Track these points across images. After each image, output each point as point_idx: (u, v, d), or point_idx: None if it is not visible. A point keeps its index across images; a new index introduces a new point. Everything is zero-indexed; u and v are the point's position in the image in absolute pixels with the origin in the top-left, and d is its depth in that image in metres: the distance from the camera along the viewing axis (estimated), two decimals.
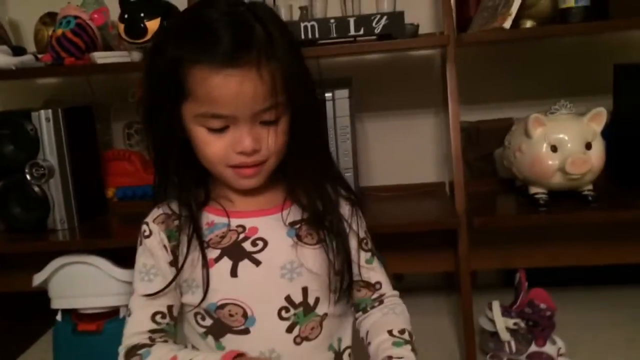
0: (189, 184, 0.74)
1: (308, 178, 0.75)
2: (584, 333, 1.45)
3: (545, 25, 1.35)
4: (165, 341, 0.74)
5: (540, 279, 1.39)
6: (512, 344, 1.31)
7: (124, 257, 1.42)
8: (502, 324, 1.30)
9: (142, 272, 0.75)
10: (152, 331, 0.74)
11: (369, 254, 0.80)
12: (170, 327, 0.75)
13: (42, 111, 1.42)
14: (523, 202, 1.38)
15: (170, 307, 0.75)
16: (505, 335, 1.30)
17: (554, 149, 1.26)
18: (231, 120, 0.68)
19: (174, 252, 0.73)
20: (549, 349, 1.30)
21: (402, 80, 1.72)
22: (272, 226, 0.75)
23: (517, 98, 1.65)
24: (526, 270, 1.37)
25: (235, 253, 0.73)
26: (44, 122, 1.42)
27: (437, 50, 1.65)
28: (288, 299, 0.73)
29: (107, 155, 1.67)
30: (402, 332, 0.76)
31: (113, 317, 1.44)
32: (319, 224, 0.75)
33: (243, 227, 0.74)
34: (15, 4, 1.78)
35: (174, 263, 0.74)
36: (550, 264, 1.40)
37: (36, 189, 1.43)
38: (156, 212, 0.77)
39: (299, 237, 0.74)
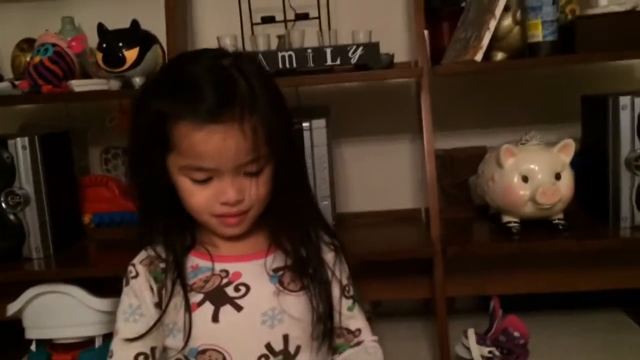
0: (174, 229, 0.76)
1: (291, 225, 0.77)
2: (557, 358, 1.47)
3: (515, 59, 1.40)
4: None
5: (514, 304, 1.42)
6: None
7: (101, 285, 1.41)
8: (477, 352, 1.32)
9: (127, 313, 0.76)
10: None
11: (351, 301, 0.81)
12: None
13: (19, 139, 1.41)
14: (496, 230, 1.40)
15: (153, 349, 0.75)
16: None
17: (524, 179, 1.30)
18: (214, 172, 0.70)
19: (160, 293, 0.75)
20: None
21: (378, 106, 1.75)
22: (255, 272, 0.76)
23: (490, 125, 1.70)
24: (500, 296, 1.39)
25: (218, 298, 0.74)
26: (20, 150, 1.41)
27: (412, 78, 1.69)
28: (268, 346, 0.74)
29: (84, 181, 1.66)
30: None
31: (89, 347, 1.43)
32: (303, 271, 0.76)
33: (227, 271, 0.76)
34: None
35: (159, 305, 0.75)
36: (523, 290, 1.43)
37: (11, 217, 1.42)
38: (143, 255, 0.79)
39: (281, 284, 0.75)
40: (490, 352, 1.32)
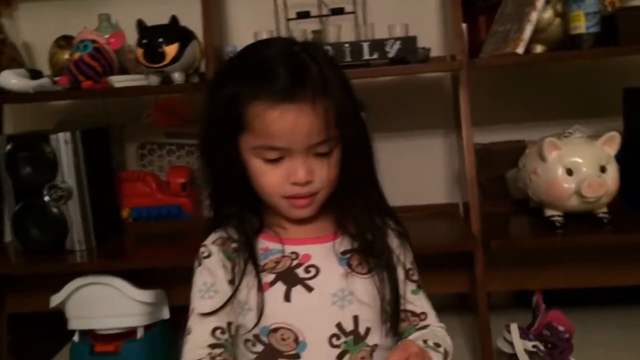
0: (245, 212, 0.78)
1: (358, 209, 0.77)
2: (600, 354, 1.46)
3: (557, 51, 1.38)
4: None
5: (556, 299, 1.40)
6: None
7: (140, 278, 1.45)
8: (521, 346, 1.31)
9: (202, 290, 0.77)
10: (212, 345, 0.74)
11: (415, 285, 0.81)
12: (228, 343, 0.76)
13: (61, 134, 1.43)
14: (538, 224, 1.39)
15: (229, 324, 0.76)
16: (524, 358, 1.30)
17: (569, 172, 1.28)
18: (286, 152, 0.72)
19: (232, 271, 0.76)
20: None
21: (412, 101, 1.74)
22: (324, 254, 0.77)
23: (527, 120, 1.68)
24: (542, 290, 1.38)
25: (289, 278, 0.75)
26: (62, 145, 1.43)
27: (448, 73, 1.68)
28: (339, 326, 0.74)
29: (122, 176, 1.68)
30: (437, 345, 0.76)
31: (131, 338, 1.45)
32: (369, 255, 0.77)
33: (296, 253, 0.76)
34: (28, 27, 1.79)
35: (232, 282, 0.76)
36: (565, 285, 1.41)
37: (54, 210, 1.44)
38: (214, 236, 0.79)
39: (350, 266, 0.76)
40: (534, 346, 1.31)
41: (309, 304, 0.74)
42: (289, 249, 0.77)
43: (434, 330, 0.80)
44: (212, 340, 0.74)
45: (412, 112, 1.74)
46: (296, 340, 0.74)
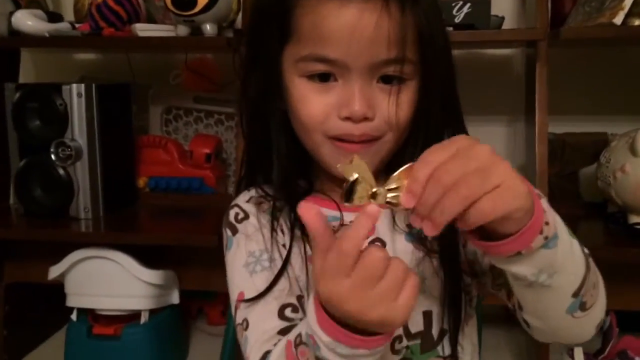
0: (289, 164, 0.59)
1: None
2: None
3: None
4: None
5: (630, 323, 1.18)
6: None
7: (149, 256, 1.30)
8: None
9: (251, 263, 0.58)
10: (283, 331, 0.54)
11: None
12: None
13: (74, 85, 1.27)
14: (619, 232, 1.17)
15: (300, 298, 0.57)
16: None
17: None
18: (340, 69, 0.53)
19: (282, 230, 0.58)
20: None
21: (475, 82, 1.51)
22: (389, 226, 0.59)
23: (612, 111, 1.44)
24: (616, 311, 1.16)
25: None
26: (75, 98, 1.27)
27: (517, 50, 1.46)
28: (404, 325, 0.56)
29: (142, 140, 1.52)
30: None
31: (133, 322, 1.31)
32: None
33: None
34: None
35: (284, 246, 0.58)
36: None
37: (61, 171, 1.29)
38: (247, 194, 0.62)
39: (420, 241, 0.58)
40: None
41: None
42: (349, 217, 0.57)
43: None
44: (282, 324, 0.55)
45: (474, 94, 1.48)
46: None
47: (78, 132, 1.28)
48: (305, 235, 0.56)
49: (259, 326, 0.55)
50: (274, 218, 0.58)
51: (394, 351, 0.56)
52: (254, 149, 0.61)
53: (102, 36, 1.29)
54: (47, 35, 1.29)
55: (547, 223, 0.43)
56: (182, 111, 1.63)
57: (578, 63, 1.43)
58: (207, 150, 1.49)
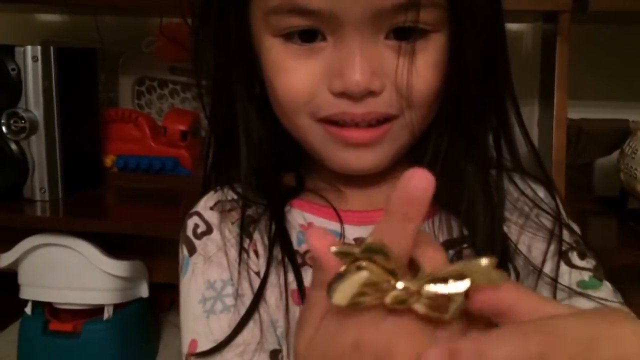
0: (264, 155, 0.44)
1: (473, 166, 0.43)
2: None
3: None
4: None
5: None
6: None
7: (115, 244, 1.18)
8: None
9: (210, 299, 0.43)
10: None
11: (589, 274, 0.46)
12: None
13: (29, 47, 1.12)
14: (637, 233, 1.06)
15: (275, 353, 0.42)
16: None
17: None
18: (328, 23, 0.38)
19: (256, 254, 0.44)
20: None
21: None
22: None
23: (637, 97, 1.32)
24: None
25: None
26: (30, 62, 1.12)
27: (529, 25, 1.34)
28: None
29: (110, 114, 1.38)
30: None
31: (95, 318, 1.18)
32: (489, 246, 0.42)
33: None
34: None
35: (259, 274, 0.44)
36: None
37: (13, 145, 1.14)
38: (211, 199, 0.48)
39: None
40: None
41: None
42: (351, 231, 0.43)
43: None
44: None
45: None
46: None
47: (33, 101, 1.13)
48: (290, 259, 0.41)
49: None
50: (243, 232, 0.43)
51: None
52: (221, 137, 0.47)
53: None
54: None
55: None
56: (156, 83, 1.49)
57: (600, 41, 1.31)
58: (182, 127, 1.35)
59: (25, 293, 1.18)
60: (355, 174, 0.42)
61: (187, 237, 0.47)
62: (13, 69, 1.11)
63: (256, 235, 0.44)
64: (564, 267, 0.45)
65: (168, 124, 1.37)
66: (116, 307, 1.18)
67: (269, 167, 0.45)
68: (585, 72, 1.29)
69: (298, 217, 0.45)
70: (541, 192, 0.48)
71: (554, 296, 0.44)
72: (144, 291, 1.22)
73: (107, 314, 1.17)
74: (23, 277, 1.18)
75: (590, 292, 0.44)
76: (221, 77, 0.45)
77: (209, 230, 0.47)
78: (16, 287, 1.21)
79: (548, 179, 0.49)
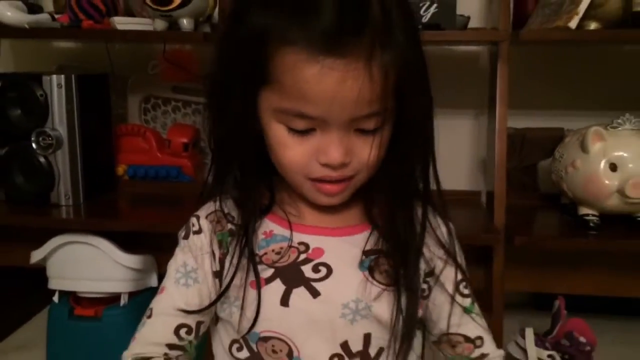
0: (252, 183, 0.61)
1: (396, 201, 0.60)
2: None
3: (617, 29, 1.22)
4: None
5: (577, 306, 1.28)
6: None
7: (128, 241, 1.35)
8: (535, 354, 1.18)
9: (180, 273, 0.62)
10: (171, 346, 0.61)
11: (469, 300, 0.64)
12: (191, 346, 0.63)
13: (55, 76, 1.31)
14: (569, 223, 1.26)
15: (199, 324, 0.63)
16: None
17: (613, 167, 1.14)
18: (320, 123, 0.54)
19: (222, 262, 0.62)
20: None
21: (441, 77, 1.56)
22: (342, 251, 0.61)
23: (570, 107, 1.52)
24: (565, 295, 1.25)
25: (292, 276, 0.60)
26: (56, 88, 1.31)
27: (484, 47, 1.53)
28: (344, 345, 0.59)
29: (120, 129, 1.57)
30: None
31: (113, 304, 1.36)
32: (404, 258, 0.60)
33: (306, 245, 0.61)
34: None
35: (218, 274, 0.62)
36: (593, 292, 1.28)
37: (42, 159, 1.33)
38: (210, 207, 0.64)
39: (371, 272, 0.60)
40: (550, 355, 1.19)
41: (311, 313, 0.59)
42: (298, 237, 0.61)
43: None
44: (173, 340, 0.61)
45: (441, 89, 1.56)
46: (290, 354, 0.59)
47: (58, 121, 1.32)
48: (252, 262, 0.59)
49: (156, 327, 0.62)
50: (220, 247, 0.61)
51: None
52: (222, 163, 0.63)
53: (82, 29, 1.32)
54: (27, 27, 1.32)
55: None
56: (161, 100, 1.67)
57: (539, 60, 1.50)
58: (184, 140, 1.54)
59: (53, 284, 1.36)
60: (323, 205, 0.61)
61: (186, 227, 0.66)
62: (41, 95, 1.30)
63: (231, 244, 0.61)
64: (458, 295, 0.63)
65: (172, 136, 1.56)
66: (131, 295, 1.36)
67: (257, 192, 0.62)
68: (528, 86, 1.49)
69: (265, 226, 0.62)
70: (444, 229, 0.65)
71: (450, 313, 0.63)
72: (153, 281, 1.40)
73: (123, 301, 1.35)
74: (51, 271, 1.35)
75: (468, 315, 0.64)
76: (232, 129, 0.60)
77: (199, 231, 0.63)
78: (39, 282, 1.38)
79: (447, 221, 0.65)
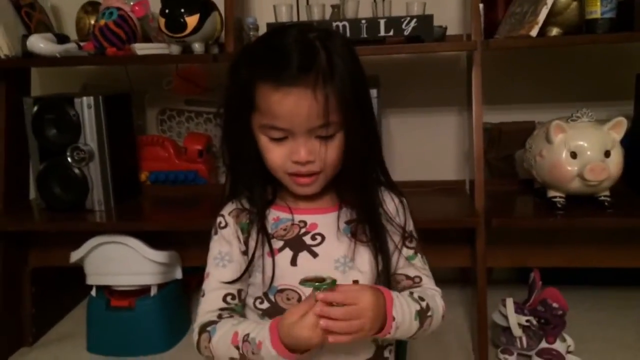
0: (258, 185, 0.84)
1: (358, 186, 0.82)
2: (593, 332, 1.50)
3: (571, 35, 1.39)
4: (231, 316, 0.82)
5: (553, 278, 1.45)
6: (524, 339, 1.37)
7: (155, 239, 1.52)
8: (515, 320, 1.36)
9: (217, 258, 0.84)
10: (222, 309, 0.82)
11: (412, 251, 0.86)
12: (238, 307, 0.83)
13: (85, 98, 1.49)
14: (541, 205, 1.43)
15: (240, 291, 0.84)
16: (517, 331, 1.36)
17: (573, 155, 1.31)
18: (289, 132, 0.77)
19: (246, 243, 0.83)
20: (558, 346, 1.35)
21: (426, 78, 1.76)
22: (330, 223, 0.83)
23: (539, 101, 1.70)
24: (540, 269, 1.42)
25: (296, 245, 0.81)
26: (86, 109, 1.49)
27: (463, 52, 1.69)
28: None
29: (142, 140, 1.74)
30: (421, 298, 0.81)
31: (145, 295, 1.54)
32: (368, 224, 0.82)
33: (304, 222, 0.83)
34: None
35: (245, 252, 0.83)
36: (563, 264, 1.45)
37: (76, 171, 1.51)
38: (230, 207, 0.86)
39: (353, 235, 0.82)
40: (527, 320, 1.36)
41: (313, 269, 0.79)
42: (297, 217, 0.83)
43: (425, 289, 0.84)
44: (223, 305, 0.82)
45: (427, 89, 1.77)
46: (299, 299, 0.80)
47: (89, 137, 1.50)
48: (268, 239, 0.82)
49: (209, 300, 0.82)
50: (242, 233, 0.83)
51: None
52: (236, 173, 0.86)
53: (107, 55, 1.50)
54: (58, 56, 1.50)
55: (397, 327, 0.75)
56: (175, 112, 1.85)
57: (511, 62, 1.68)
58: (199, 147, 1.72)
59: (91, 279, 1.54)
60: (302, 195, 0.84)
61: (216, 225, 0.87)
62: (74, 115, 1.48)
63: (253, 227, 0.84)
64: (404, 248, 0.85)
65: (187, 144, 1.73)
66: (159, 286, 1.54)
67: (262, 191, 0.85)
68: (503, 84, 1.66)
69: (273, 213, 0.84)
70: (396, 200, 0.88)
71: (398, 262, 0.85)
72: (178, 274, 1.58)
73: (153, 292, 1.53)
74: (89, 268, 1.53)
75: (412, 261, 0.85)
76: (240, 147, 0.83)
77: (226, 226, 0.84)
78: (76, 280, 1.55)
79: (402, 197, 0.88)
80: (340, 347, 0.79)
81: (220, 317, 0.81)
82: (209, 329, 0.80)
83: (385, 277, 0.83)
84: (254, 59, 0.78)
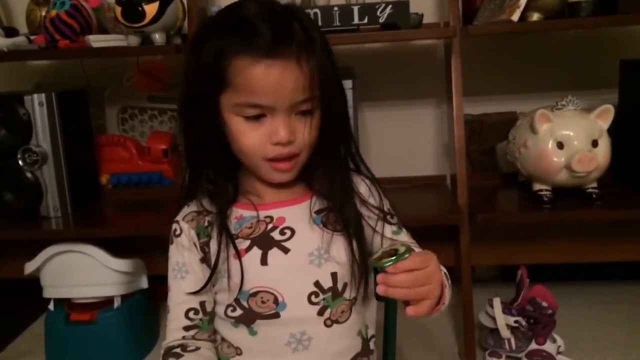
0: (221, 180, 0.76)
1: (330, 171, 0.76)
2: (583, 330, 1.45)
3: (553, 19, 1.33)
4: (197, 348, 0.75)
5: (540, 275, 1.39)
6: (512, 341, 1.31)
7: (118, 246, 1.42)
8: (503, 321, 1.29)
9: (175, 270, 0.77)
10: (186, 328, 0.76)
11: (396, 226, 0.80)
12: (203, 322, 0.77)
13: (35, 95, 1.37)
14: (526, 198, 1.37)
15: (202, 303, 0.76)
16: (505, 333, 1.29)
17: (560, 145, 1.25)
18: (269, 109, 0.70)
19: (204, 249, 0.75)
20: (548, 346, 1.29)
21: (403, 69, 1.69)
22: (299, 215, 0.76)
23: (520, 91, 1.63)
24: (527, 266, 1.36)
25: (265, 242, 0.75)
26: (37, 107, 1.38)
27: (440, 40, 1.63)
28: (317, 284, 0.74)
29: (101, 140, 1.63)
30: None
31: (107, 307, 1.43)
32: (341, 212, 0.76)
33: (271, 217, 0.76)
34: None
35: (204, 260, 0.76)
36: (551, 261, 1.39)
37: (29, 175, 1.40)
38: (186, 210, 0.78)
39: (324, 225, 0.76)
40: (516, 321, 1.29)
41: (286, 265, 0.74)
42: (263, 213, 0.76)
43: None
44: (186, 322, 0.76)
45: (403, 80, 1.69)
46: (275, 301, 0.73)
47: (42, 138, 1.38)
48: (231, 240, 0.74)
49: (172, 317, 0.77)
50: (200, 237, 0.75)
51: (312, 303, 0.74)
52: (196, 165, 0.77)
53: (59, 49, 1.38)
54: (5, 50, 1.38)
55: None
56: (137, 110, 1.74)
57: (490, 50, 1.61)
58: (163, 146, 1.61)
59: (48, 292, 1.42)
60: (277, 183, 0.76)
61: (171, 235, 0.79)
62: (24, 114, 1.37)
63: (214, 229, 0.76)
64: (386, 225, 0.79)
65: (151, 144, 1.62)
66: (123, 297, 1.43)
67: (224, 187, 0.76)
68: (483, 75, 1.60)
69: (235, 212, 0.77)
70: (367, 181, 0.82)
71: (382, 244, 0.78)
72: (144, 283, 1.48)
73: (116, 303, 1.43)
74: (45, 280, 1.42)
75: (397, 236, 0.79)
76: (202, 136, 0.74)
77: (180, 233, 0.77)
78: (31, 293, 1.44)
79: (373, 179, 0.82)
80: (328, 345, 0.75)
81: (183, 347, 0.74)
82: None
83: (363, 265, 0.76)
84: (223, 32, 0.70)
